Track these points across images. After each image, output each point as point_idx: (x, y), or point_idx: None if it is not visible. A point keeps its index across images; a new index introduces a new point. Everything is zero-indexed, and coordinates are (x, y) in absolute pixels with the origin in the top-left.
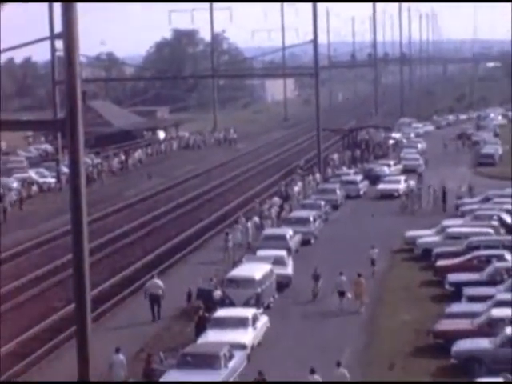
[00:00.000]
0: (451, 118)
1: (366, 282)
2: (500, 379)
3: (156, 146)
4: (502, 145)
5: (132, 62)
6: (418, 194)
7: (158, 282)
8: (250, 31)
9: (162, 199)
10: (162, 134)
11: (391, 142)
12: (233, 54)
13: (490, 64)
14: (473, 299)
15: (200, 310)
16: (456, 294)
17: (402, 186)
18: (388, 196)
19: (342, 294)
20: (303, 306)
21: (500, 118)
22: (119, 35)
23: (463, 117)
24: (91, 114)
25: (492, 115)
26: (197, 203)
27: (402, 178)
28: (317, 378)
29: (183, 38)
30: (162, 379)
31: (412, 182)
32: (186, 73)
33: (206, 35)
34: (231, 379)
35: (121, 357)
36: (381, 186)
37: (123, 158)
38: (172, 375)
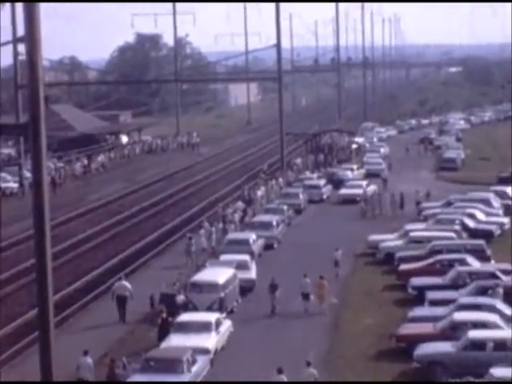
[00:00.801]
0: (414, 122)
1: (329, 283)
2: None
3: (119, 150)
4: (464, 149)
5: (95, 66)
6: (378, 200)
7: (126, 283)
8: (213, 36)
9: (125, 203)
10: (124, 139)
11: (354, 146)
12: (196, 58)
13: (453, 69)
14: (435, 303)
15: (163, 315)
16: (419, 298)
17: (364, 191)
18: (350, 201)
19: (305, 296)
20: (267, 310)
21: (462, 122)
22: (82, 39)
23: (426, 121)
24: (54, 118)
25: (454, 120)
26: (160, 207)
27: (364, 182)
28: (283, 378)
29: (146, 43)
30: None
31: (373, 187)
32: (149, 77)
33: (169, 39)
34: None
35: (88, 359)
36: (342, 191)
37: (86, 162)
38: (135, 380)
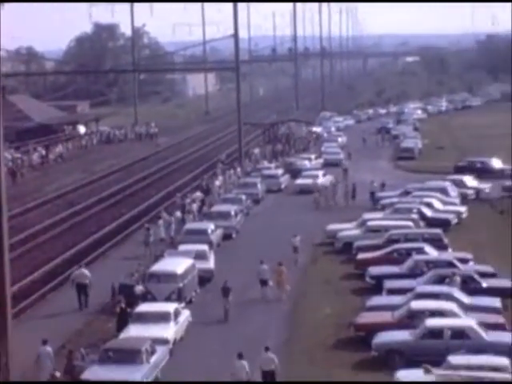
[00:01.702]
0: (371, 112)
1: (288, 270)
2: (420, 371)
3: (77, 140)
4: (421, 139)
5: (52, 57)
6: (332, 190)
7: (85, 271)
8: (170, 26)
9: (83, 194)
10: (82, 129)
11: (312, 136)
12: (153, 48)
13: (409, 58)
14: (393, 292)
15: (121, 305)
16: (376, 287)
17: (320, 181)
18: (307, 191)
19: (263, 282)
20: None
21: (419, 112)
22: (39, 29)
23: (383, 111)
24: (11, 108)
25: (411, 109)
26: (118, 198)
27: (320, 172)
28: (244, 363)
29: (103, 33)
30: (83, 375)
31: (330, 177)
32: (106, 67)
33: (126, 30)
34: (153, 374)
35: (48, 348)
36: (299, 181)
37: (44, 152)
38: (94, 371)
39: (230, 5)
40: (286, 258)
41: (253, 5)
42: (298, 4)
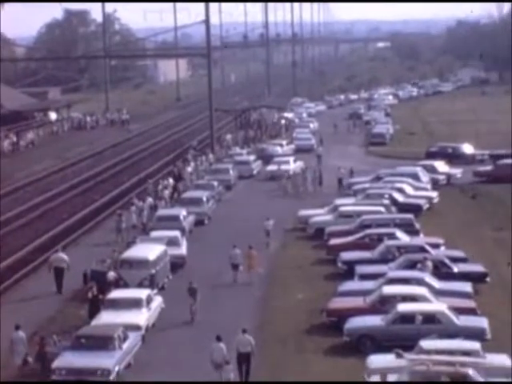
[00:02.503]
0: (343, 97)
1: (260, 254)
2: (392, 356)
3: (48, 127)
4: (392, 124)
5: (23, 43)
6: (302, 176)
7: (63, 255)
8: (141, 12)
9: (55, 181)
10: (53, 115)
11: (284, 121)
12: (125, 34)
13: (380, 44)
14: (365, 277)
15: (93, 292)
16: (348, 272)
17: (291, 167)
18: (278, 177)
19: (235, 266)
20: (198, 286)
21: (390, 97)
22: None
23: (354, 97)
24: None
25: (383, 95)
26: (90, 184)
27: (291, 158)
28: (222, 345)
29: (74, 19)
30: (55, 361)
31: (300, 163)
32: (77, 53)
33: (97, 16)
34: (126, 360)
35: (20, 333)
36: (270, 168)
37: (14, 139)
38: (66, 357)
39: None
40: (258, 242)
41: None
42: None
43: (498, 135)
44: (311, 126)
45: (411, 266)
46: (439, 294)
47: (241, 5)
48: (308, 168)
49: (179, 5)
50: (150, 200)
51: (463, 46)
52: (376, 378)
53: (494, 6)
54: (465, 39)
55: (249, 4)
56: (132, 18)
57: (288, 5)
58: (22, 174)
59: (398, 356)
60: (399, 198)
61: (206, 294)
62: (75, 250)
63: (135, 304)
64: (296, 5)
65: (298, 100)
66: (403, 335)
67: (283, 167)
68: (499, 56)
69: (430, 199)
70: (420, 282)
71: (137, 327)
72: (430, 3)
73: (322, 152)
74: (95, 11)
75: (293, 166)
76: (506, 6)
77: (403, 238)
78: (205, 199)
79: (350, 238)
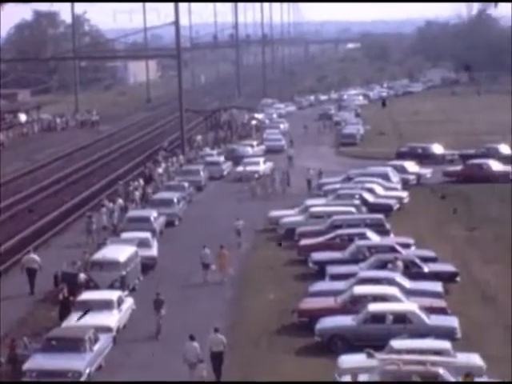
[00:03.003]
0: (313, 98)
1: (231, 253)
2: (363, 355)
3: (17, 128)
4: (362, 125)
5: None
6: (271, 177)
7: (35, 256)
8: (111, 13)
9: (25, 182)
10: (23, 117)
11: (254, 122)
12: (94, 35)
13: (350, 45)
14: (336, 277)
15: (64, 294)
16: (319, 273)
17: (261, 168)
18: (246, 178)
19: (205, 266)
20: (168, 287)
21: (361, 98)
22: None
23: (324, 97)
24: None
25: (353, 96)
26: (60, 186)
27: (261, 159)
28: (195, 345)
29: (44, 20)
30: (26, 363)
31: (270, 164)
32: (47, 55)
33: (66, 17)
34: (97, 362)
35: None
36: (240, 169)
37: None
38: (36, 359)
39: None
40: (229, 243)
41: None
42: None
43: (468, 135)
44: (281, 126)
45: (382, 266)
46: (410, 293)
47: (210, 5)
48: (276, 169)
49: (149, 5)
50: (120, 201)
51: (433, 46)
52: (347, 378)
53: (463, 6)
54: (434, 40)
55: (218, 4)
56: (101, 19)
57: (258, 5)
58: None
59: (369, 356)
60: (369, 198)
61: (176, 294)
62: (46, 252)
63: (106, 306)
64: (266, 5)
65: (268, 101)
66: (374, 335)
67: (252, 168)
68: (469, 56)
69: (400, 199)
70: (391, 282)
71: (108, 329)
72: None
73: (293, 153)
74: (64, 12)
75: (263, 166)
76: (475, 6)
77: (374, 238)
78: (175, 200)
79: (320, 239)
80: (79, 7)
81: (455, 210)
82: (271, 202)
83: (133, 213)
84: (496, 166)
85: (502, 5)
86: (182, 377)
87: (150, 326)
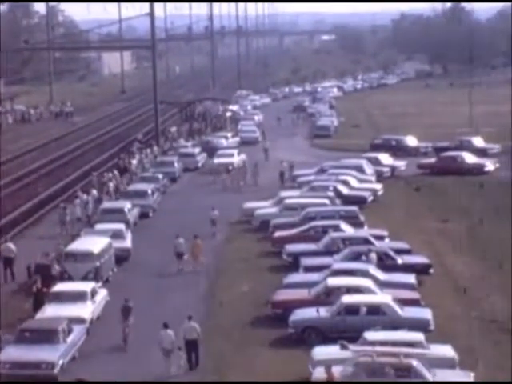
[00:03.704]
0: (287, 90)
1: (205, 243)
2: (337, 347)
3: None
4: (337, 117)
5: None
6: (243, 170)
7: (11, 245)
8: (85, 4)
9: None
10: None
11: (228, 114)
12: (68, 26)
13: (325, 37)
14: (310, 269)
15: (38, 285)
16: (293, 265)
17: (235, 160)
18: (215, 171)
19: (179, 255)
20: (142, 279)
21: (335, 90)
22: None
23: (299, 89)
24: None
25: (327, 87)
26: (34, 177)
27: (235, 151)
28: (170, 332)
29: (17, 11)
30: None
31: (243, 156)
32: (20, 45)
33: (40, 8)
34: (70, 353)
35: None
36: (214, 160)
37: None
38: (10, 351)
39: None
40: (203, 233)
41: None
42: None
43: (441, 128)
44: (256, 118)
45: (356, 257)
46: (383, 285)
47: None
48: (245, 161)
49: None
50: (94, 193)
51: (407, 39)
52: (321, 370)
53: None
54: (409, 32)
55: None
56: (76, 9)
57: None
58: None
59: (343, 347)
60: (344, 190)
61: (150, 286)
62: (20, 243)
63: (80, 297)
64: None
65: (243, 93)
66: (348, 327)
67: (226, 160)
68: (443, 49)
69: (374, 191)
70: (364, 274)
71: (81, 320)
72: None
73: (269, 146)
74: (38, 3)
75: (237, 158)
76: None
77: (348, 230)
78: (150, 192)
79: (294, 231)
80: None
81: (418, 189)
82: (244, 194)
83: (107, 204)
84: (469, 158)
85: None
86: (158, 366)
87: None
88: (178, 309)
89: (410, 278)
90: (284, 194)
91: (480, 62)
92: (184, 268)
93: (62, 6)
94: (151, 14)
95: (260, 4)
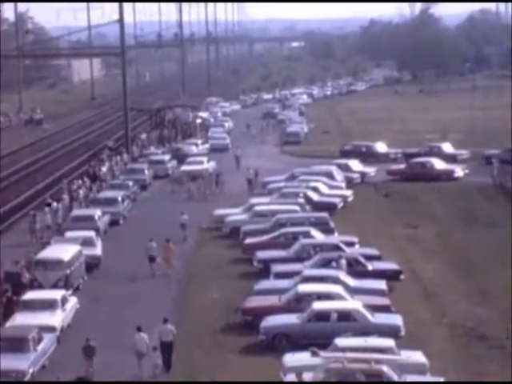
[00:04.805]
0: (257, 97)
1: (176, 247)
2: (307, 354)
3: None
4: (307, 123)
5: None
6: (209, 178)
7: None
8: (55, 10)
9: None
10: None
11: (198, 121)
12: (38, 33)
13: (295, 43)
14: (280, 276)
15: (7, 294)
16: (264, 271)
17: (205, 167)
18: (192, 177)
19: (151, 259)
20: (113, 286)
21: (305, 97)
22: None
23: (269, 96)
24: None
25: (297, 94)
26: (3, 185)
27: (205, 159)
28: (143, 335)
29: None
30: None
31: (213, 163)
32: None
33: (9, 14)
34: (41, 362)
35: None
36: (184, 168)
37: None
38: None
39: None
40: (173, 239)
41: None
42: None
43: (411, 134)
44: (226, 125)
45: (326, 264)
46: (354, 291)
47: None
48: (215, 169)
49: (93, 3)
50: (64, 200)
51: (376, 45)
52: (292, 377)
53: (406, 5)
54: (378, 38)
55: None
56: (45, 16)
57: (202, 3)
58: None
59: (314, 354)
60: (314, 196)
61: (120, 293)
62: None
63: (50, 305)
64: (210, 3)
65: (213, 99)
66: (319, 333)
67: (196, 167)
68: (412, 55)
69: (344, 198)
70: (335, 280)
71: (52, 328)
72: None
73: (240, 153)
74: (7, 10)
75: (206, 165)
76: (418, 5)
77: (318, 236)
78: (120, 199)
79: (265, 237)
80: (22, 5)
81: (387, 195)
82: (212, 202)
83: (77, 212)
84: (439, 164)
85: (443, 4)
86: (131, 370)
87: (94, 325)
88: (148, 315)
89: (381, 284)
90: (254, 200)
91: (448, 68)
92: (156, 271)
93: (32, 12)
94: (121, 21)
95: (230, 10)
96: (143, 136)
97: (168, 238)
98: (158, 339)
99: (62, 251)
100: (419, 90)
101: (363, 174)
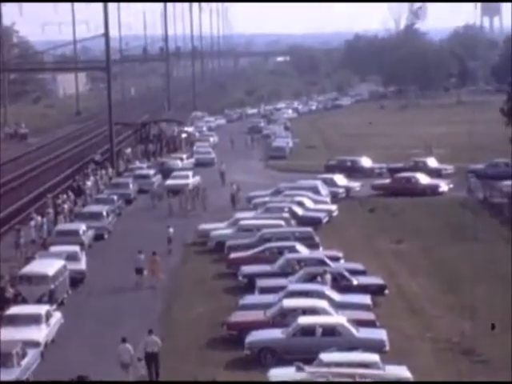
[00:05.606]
0: (242, 111)
1: (162, 260)
2: (293, 369)
3: None
4: (292, 138)
5: None
6: (190, 194)
7: None
8: (40, 25)
9: None
10: None
11: (184, 135)
12: (23, 47)
13: (280, 58)
14: (265, 290)
15: None
16: (249, 286)
17: (190, 181)
18: (176, 191)
19: (139, 271)
20: (97, 300)
21: (290, 111)
22: None
23: (254, 110)
24: None
25: (282, 109)
26: None
27: (190, 173)
28: (128, 346)
29: None
30: None
31: (197, 178)
32: None
33: None
34: (24, 377)
35: None
36: (168, 182)
37: None
38: None
39: (100, 4)
40: (158, 253)
41: (123, 4)
42: (169, 3)
43: (396, 149)
44: (211, 139)
45: (311, 279)
46: (339, 306)
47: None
48: (199, 183)
49: (78, 17)
50: (49, 215)
51: (361, 60)
52: None
53: (391, 20)
54: (363, 53)
55: (148, 16)
56: (30, 30)
57: (188, 17)
58: None
59: (299, 369)
60: (299, 211)
61: (104, 307)
62: None
63: (34, 320)
64: (196, 18)
65: (198, 114)
66: (304, 348)
67: (181, 181)
68: (397, 70)
69: (329, 212)
70: (320, 295)
71: (36, 344)
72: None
73: (225, 168)
74: None
75: (191, 180)
76: (403, 20)
77: (303, 251)
78: (104, 213)
79: (250, 252)
80: (7, 19)
81: (372, 210)
82: (195, 217)
83: (61, 226)
84: (423, 179)
85: (428, 19)
86: (118, 378)
87: (77, 339)
88: (133, 330)
89: (365, 299)
90: (239, 215)
91: (433, 83)
92: (143, 283)
93: (17, 26)
94: (106, 36)
95: (215, 24)
96: (128, 150)
97: (154, 251)
98: (142, 350)
99: (47, 266)
100: (404, 106)
101: (348, 189)
